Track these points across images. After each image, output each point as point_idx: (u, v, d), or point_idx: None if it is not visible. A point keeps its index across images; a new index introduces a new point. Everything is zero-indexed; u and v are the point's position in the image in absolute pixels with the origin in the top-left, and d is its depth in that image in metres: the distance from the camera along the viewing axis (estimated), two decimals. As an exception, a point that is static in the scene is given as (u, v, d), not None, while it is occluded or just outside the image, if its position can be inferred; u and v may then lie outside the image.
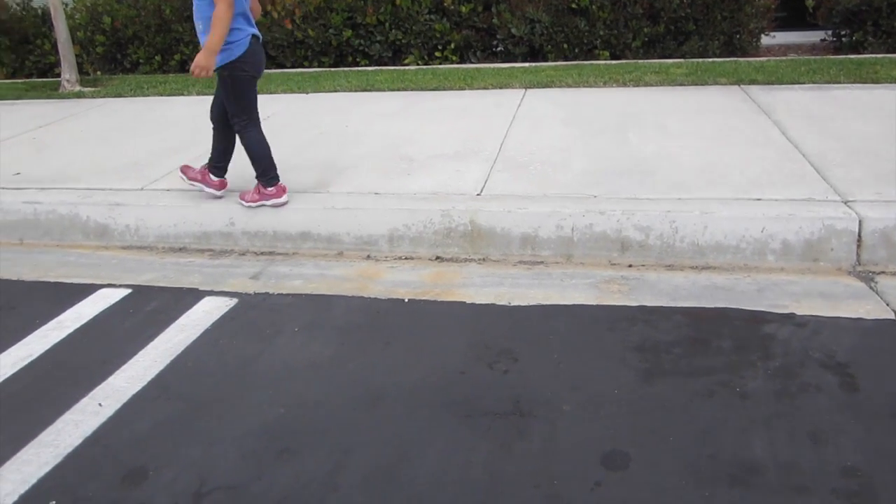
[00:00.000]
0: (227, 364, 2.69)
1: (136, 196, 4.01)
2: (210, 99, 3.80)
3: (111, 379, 2.62)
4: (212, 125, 3.78)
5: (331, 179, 4.07)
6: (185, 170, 3.87)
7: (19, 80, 8.46)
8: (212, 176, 3.82)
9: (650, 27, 7.36)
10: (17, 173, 4.54)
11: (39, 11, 8.72)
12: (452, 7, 7.55)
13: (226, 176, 3.88)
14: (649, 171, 3.88)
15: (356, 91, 6.33)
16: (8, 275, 3.59)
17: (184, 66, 8.39)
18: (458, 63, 7.72)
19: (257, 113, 3.68)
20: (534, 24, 7.46)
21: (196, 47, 8.15)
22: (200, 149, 4.72)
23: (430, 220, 3.54)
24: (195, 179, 3.83)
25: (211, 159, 3.82)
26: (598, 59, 7.40)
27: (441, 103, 5.73)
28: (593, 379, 2.45)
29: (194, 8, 3.46)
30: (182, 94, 6.80)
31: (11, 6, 8.83)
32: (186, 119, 5.74)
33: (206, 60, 3.34)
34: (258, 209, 3.72)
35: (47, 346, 2.88)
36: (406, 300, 3.09)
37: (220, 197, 3.86)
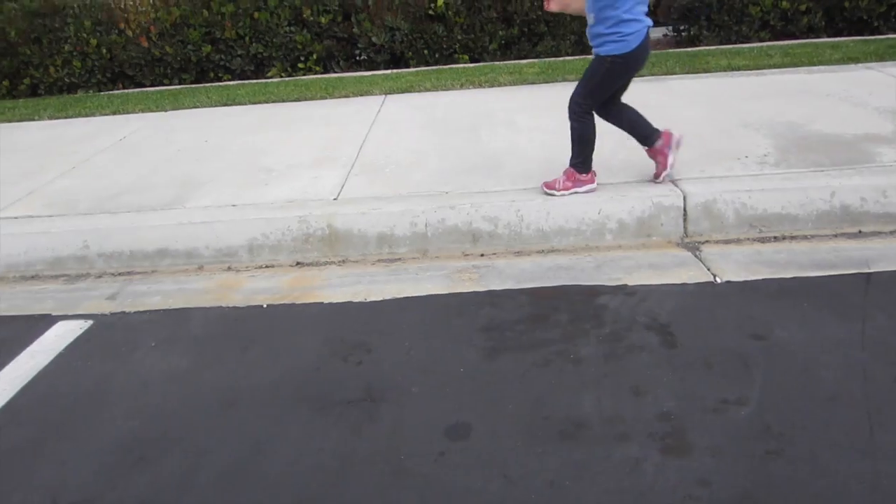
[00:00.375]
0: (80, 385, 2.66)
1: (-20, 226, 3.86)
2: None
3: (-44, 413, 2.55)
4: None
5: (188, 195, 4.06)
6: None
7: None
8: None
9: (505, 30, 7.69)
10: None
11: None
12: (312, 18, 7.61)
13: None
14: (497, 166, 4.10)
15: (217, 106, 6.29)
16: None
17: (34, 91, 8.04)
18: (321, 73, 7.79)
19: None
20: (394, 32, 7.64)
21: (46, 71, 7.86)
22: (53, 173, 4.58)
23: (288, 227, 3.61)
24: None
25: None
26: (458, 63, 7.66)
27: (302, 113, 5.79)
28: (441, 361, 2.60)
29: None
30: (33, 119, 6.53)
31: None
32: (38, 144, 5.53)
33: None
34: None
35: None
36: (265, 306, 3.15)
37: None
